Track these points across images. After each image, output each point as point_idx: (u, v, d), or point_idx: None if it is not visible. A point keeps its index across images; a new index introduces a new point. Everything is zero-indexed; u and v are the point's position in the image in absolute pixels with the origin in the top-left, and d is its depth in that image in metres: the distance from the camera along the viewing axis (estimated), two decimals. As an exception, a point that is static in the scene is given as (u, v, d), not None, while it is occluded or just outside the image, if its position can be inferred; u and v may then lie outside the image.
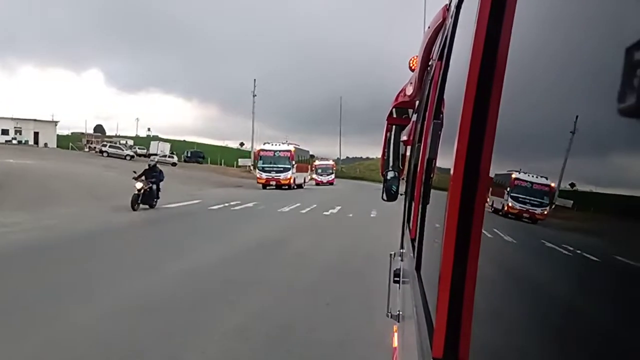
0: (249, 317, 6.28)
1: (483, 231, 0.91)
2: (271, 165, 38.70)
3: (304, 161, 46.37)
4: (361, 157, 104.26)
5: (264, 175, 38.59)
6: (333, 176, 59.30)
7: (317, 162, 60.03)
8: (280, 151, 39.53)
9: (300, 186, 42.13)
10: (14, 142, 56.64)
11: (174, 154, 66.21)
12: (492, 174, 0.90)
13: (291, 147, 40.49)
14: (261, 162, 39.54)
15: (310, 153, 55.40)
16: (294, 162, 39.43)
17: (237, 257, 10.32)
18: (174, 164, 56.57)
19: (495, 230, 0.91)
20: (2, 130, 58.23)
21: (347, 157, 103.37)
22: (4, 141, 51.59)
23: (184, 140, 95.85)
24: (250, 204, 22.14)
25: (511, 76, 0.85)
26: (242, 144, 68.85)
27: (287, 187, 37.97)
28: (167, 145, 71.80)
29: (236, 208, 20.47)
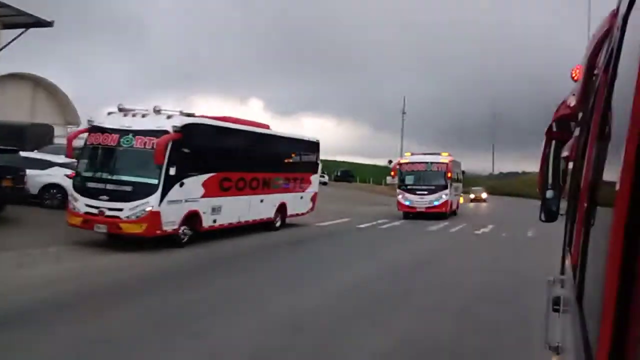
0: (395, 340, 6.23)
1: None
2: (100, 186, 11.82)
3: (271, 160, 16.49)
4: (517, 172, 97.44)
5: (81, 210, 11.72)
6: (445, 195, 24.58)
7: (405, 159, 26.55)
8: (130, 134, 11.95)
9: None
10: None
11: (325, 173, 69.08)
12: None
13: (170, 122, 11.92)
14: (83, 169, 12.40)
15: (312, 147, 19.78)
16: (163, 172, 11.57)
17: (385, 276, 10.35)
18: (324, 183, 59.01)
19: None
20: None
21: (501, 173, 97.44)
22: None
23: (335, 160, 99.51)
24: (398, 222, 22.08)
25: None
26: (390, 162, 68.09)
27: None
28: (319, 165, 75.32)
29: (384, 227, 20.58)
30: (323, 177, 64.33)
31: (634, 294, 0.86)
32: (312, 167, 19.66)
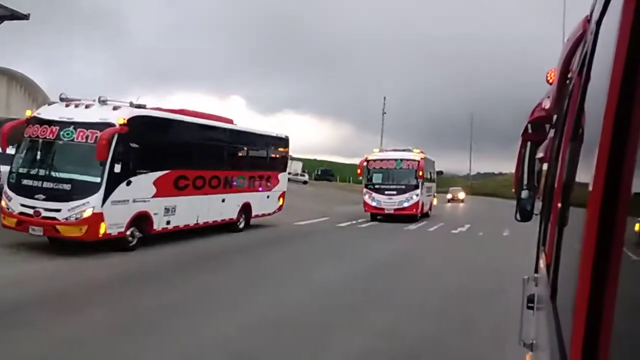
0: (375, 338, 6.27)
1: (623, 260, 0.85)
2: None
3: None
4: (493, 173, 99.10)
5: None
6: (416, 196, 22.30)
7: (373, 155, 23.70)
8: (71, 126, 10.82)
9: None
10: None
11: (305, 172, 68.97)
12: (632, 197, 0.84)
13: (116, 114, 10.85)
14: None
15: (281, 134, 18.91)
16: None
17: (364, 274, 10.38)
18: (305, 182, 58.91)
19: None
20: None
21: (479, 173, 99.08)
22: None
23: (315, 159, 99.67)
24: (376, 222, 22.18)
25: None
26: (369, 162, 67.84)
27: None
28: (300, 164, 75.14)
29: (362, 226, 20.67)
30: (304, 175, 64.57)
31: (605, 292, 0.89)
32: (280, 165, 18.30)
